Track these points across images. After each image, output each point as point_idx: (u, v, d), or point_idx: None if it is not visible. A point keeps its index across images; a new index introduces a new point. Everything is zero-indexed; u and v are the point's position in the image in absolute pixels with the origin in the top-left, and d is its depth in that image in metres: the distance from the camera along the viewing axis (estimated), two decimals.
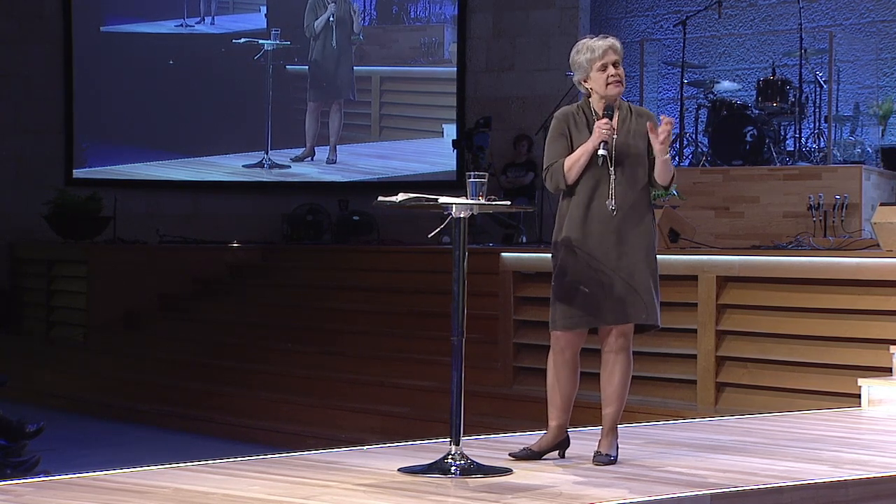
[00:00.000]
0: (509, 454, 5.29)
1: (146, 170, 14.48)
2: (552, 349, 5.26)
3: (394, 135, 14.42)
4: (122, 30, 14.59)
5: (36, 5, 14.36)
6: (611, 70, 5.15)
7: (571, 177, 5.15)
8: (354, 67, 14.37)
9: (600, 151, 5.09)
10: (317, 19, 14.28)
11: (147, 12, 14.66)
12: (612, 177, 5.13)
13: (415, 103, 14.44)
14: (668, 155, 5.12)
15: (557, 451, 5.32)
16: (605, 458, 5.18)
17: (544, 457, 5.28)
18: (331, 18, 14.22)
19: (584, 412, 5.89)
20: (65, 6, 14.38)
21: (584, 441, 5.48)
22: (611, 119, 5.15)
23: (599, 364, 5.27)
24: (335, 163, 14.30)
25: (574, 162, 5.14)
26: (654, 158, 5.15)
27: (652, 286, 5.16)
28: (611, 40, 5.20)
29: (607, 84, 5.15)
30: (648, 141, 5.15)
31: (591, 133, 5.16)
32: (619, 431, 5.30)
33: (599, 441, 5.25)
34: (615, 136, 5.15)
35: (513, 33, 13.84)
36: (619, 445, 5.29)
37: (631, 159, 5.16)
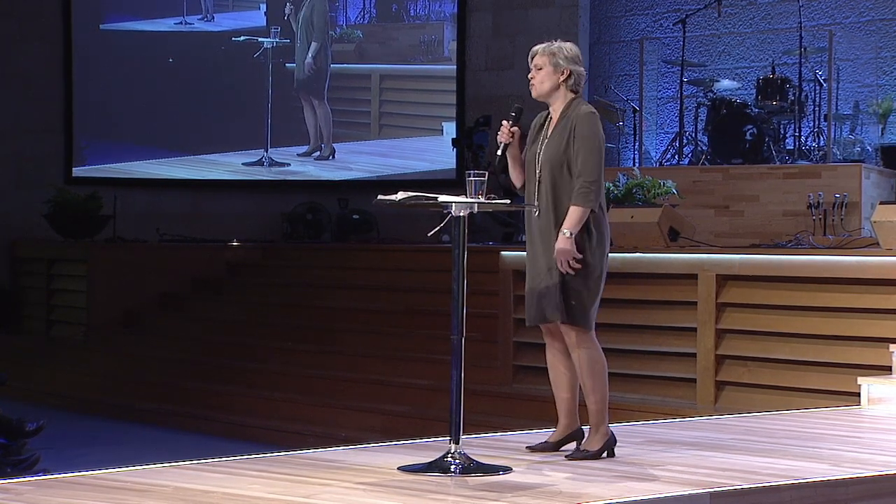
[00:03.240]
0: (527, 447, 5.43)
1: (146, 168, 14.48)
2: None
3: (393, 133, 14.42)
4: (121, 28, 14.58)
5: (35, 4, 14.34)
6: (531, 73, 5.32)
7: (514, 180, 5.40)
8: (354, 66, 14.35)
9: (498, 152, 5.28)
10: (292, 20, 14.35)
11: (146, 10, 14.65)
12: (538, 181, 5.28)
13: (414, 101, 14.43)
14: (568, 240, 5.13)
15: (575, 445, 5.40)
16: (579, 454, 5.27)
17: (562, 449, 5.39)
18: (286, 16, 14.24)
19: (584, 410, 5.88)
20: (64, 5, 14.37)
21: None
22: (516, 121, 5.26)
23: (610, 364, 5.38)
24: (333, 158, 14.26)
25: (511, 167, 5.37)
26: (574, 163, 5.22)
27: (572, 287, 5.18)
28: (545, 44, 5.32)
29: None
30: (569, 143, 5.22)
31: (540, 135, 5.34)
32: (612, 429, 5.35)
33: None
34: (545, 141, 5.29)
35: (512, 32, 13.84)
36: (618, 443, 5.35)
37: (548, 164, 5.26)
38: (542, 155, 5.28)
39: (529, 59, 5.35)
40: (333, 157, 14.29)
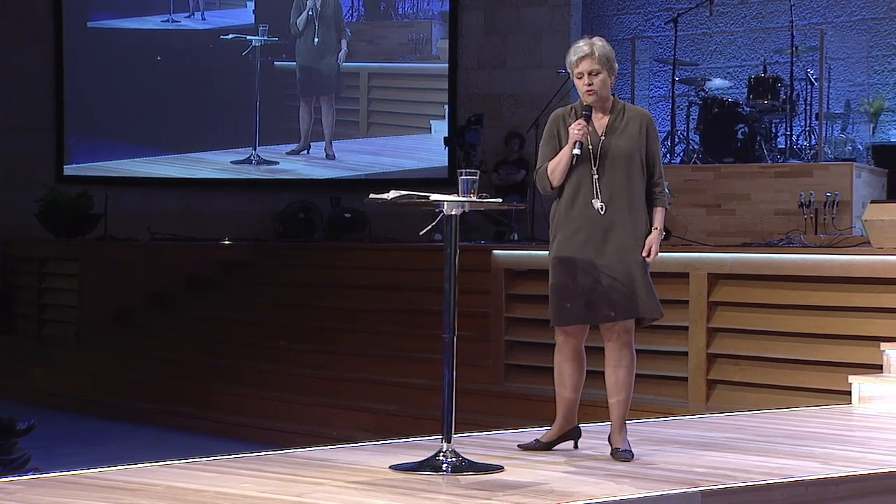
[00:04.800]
0: (518, 445, 5.42)
1: (134, 166, 14.45)
2: (556, 344, 5.39)
3: (382, 131, 14.42)
4: (108, 25, 14.55)
5: (28, 4, 14.32)
6: (585, 80, 5.24)
7: (555, 179, 5.27)
8: (343, 63, 14.35)
9: (574, 151, 5.19)
10: (299, 17, 14.29)
11: (133, 7, 14.62)
12: (596, 177, 5.22)
13: (403, 100, 14.43)
14: (661, 237, 5.28)
15: (572, 443, 5.44)
16: (626, 454, 5.24)
17: (556, 447, 5.41)
18: (310, 13, 14.21)
19: (582, 409, 5.88)
20: (56, 3, 14.35)
21: (581, 439, 5.49)
22: (588, 120, 5.23)
23: (598, 363, 5.33)
24: (333, 158, 14.27)
25: (556, 165, 5.26)
26: (649, 162, 5.27)
27: (643, 282, 5.22)
28: (590, 47, 5.23)
29: (584, 92, 5.26)
30: (642, 141, 5.24)
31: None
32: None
33: (612, 437, 5.32)
34: (602, 137, 5.25)
35: (504, 30, 13.84)
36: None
37: (618, 160, 5.23)
38: (607, 151, 5.21)
39: (574, 64, 5.22)
40: (333, 156, 14.27)
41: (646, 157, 5.26)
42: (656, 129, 5.35)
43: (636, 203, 5.24)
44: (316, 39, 14.29)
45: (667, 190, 9.56)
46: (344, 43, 14.24)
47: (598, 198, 5.20)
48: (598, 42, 5.26)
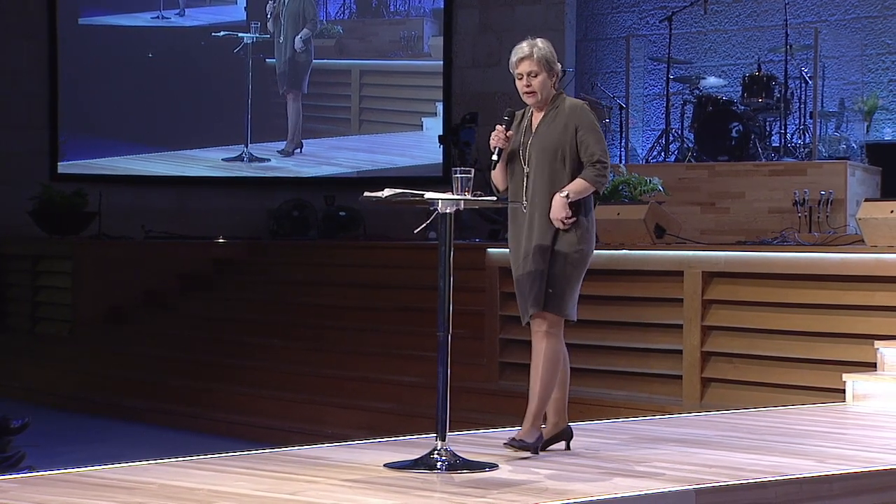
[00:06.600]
0: (504, 444, 5.37)
1: (126, 163, 14.44)
2: None
3: (373, 128, 14.41)
4: (99, 22, 14.53)
5: (20, 1, 14.28)
6: (524, 81, 5.28)
7: (497, 182, 5.36)
8: (334, 61, 14.34)
9: (493, 157, 5.24)
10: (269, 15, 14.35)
11: (122, 3, 14.60)
12: (526, 177, 5.26)
13: (394, 97, 14.43)
14: (563, 200, 5.14)
15: (564, 444, 5.41)
16: (520, 443, 5.21)
17: (549, 448, 5.38)
18: (274, 11, 14.21)
19: (577, 407, 5.89)
20: (49, 0, 14.32)
21: (575, 438, 5.50)
22: (509, 125, 5.26)
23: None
24: (292, 154, 14.24)
25: (500, 170, 5.31)
26: (581, 152, 5.21)
27: (552, 274, 5.18)
28: (530, 48, 5.26)
29: (523, 93, 5.29)
30: (566, 136, 5.22)
31: (521, 131, 5.32)
32: (571, 424, 5.36)
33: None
34: (531, 135, 5.27)
35: (499, 28, 13.84)
36: (605, 440, 5.35)
37: (542, 158, 5.24)
38: (532, 148, 5.26)
39: (514, 65, 5.28)
40: (300, 151, 14.23)
41: (576, 149, 5.21)
42: (588, 118, 5.25)
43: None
44: (282, 37, 14.29)
45: (660, 188, 9.66)
46: (300, 37, 14.17)
47: (525, 197, 5.24)
48: (540, 43, 5.28)
